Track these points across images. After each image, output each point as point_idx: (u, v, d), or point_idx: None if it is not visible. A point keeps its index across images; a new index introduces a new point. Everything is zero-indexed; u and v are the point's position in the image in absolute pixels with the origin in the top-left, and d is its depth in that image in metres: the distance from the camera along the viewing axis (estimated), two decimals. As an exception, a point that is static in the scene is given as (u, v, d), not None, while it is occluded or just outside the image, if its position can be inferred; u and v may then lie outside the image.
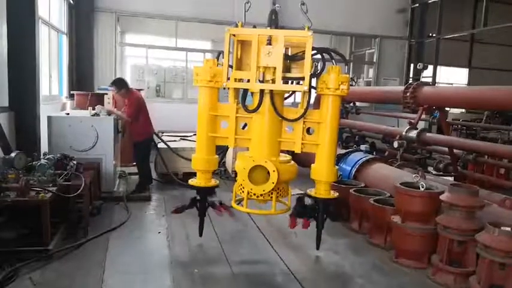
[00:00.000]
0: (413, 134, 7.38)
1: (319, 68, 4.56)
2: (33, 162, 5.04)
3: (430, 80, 13.26)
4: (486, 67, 17.75)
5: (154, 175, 7.99)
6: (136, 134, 7.13)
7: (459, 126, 13.26)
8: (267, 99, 4.46)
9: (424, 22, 13.94)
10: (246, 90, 4.66)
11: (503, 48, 18.05)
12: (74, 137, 6.48)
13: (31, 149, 5.63)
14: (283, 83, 4.42)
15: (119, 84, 7.01)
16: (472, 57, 18.08)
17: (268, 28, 4.56)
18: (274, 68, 4.35)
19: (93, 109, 7.08)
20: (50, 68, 8.99)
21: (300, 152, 4.65)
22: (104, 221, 5.70)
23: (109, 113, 6.91)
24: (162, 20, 12.40)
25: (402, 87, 8.22)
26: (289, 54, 4.60)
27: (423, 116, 8.25)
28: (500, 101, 6.50)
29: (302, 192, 4.99)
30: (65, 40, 10.31)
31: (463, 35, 15.88)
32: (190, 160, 7.79)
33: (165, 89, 13.69)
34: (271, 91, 4.42)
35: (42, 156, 5.33)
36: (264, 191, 4.48)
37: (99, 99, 8.70)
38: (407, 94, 7.86)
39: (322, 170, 4.65)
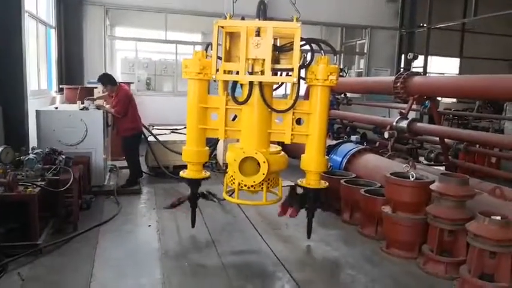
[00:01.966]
0: (404, 124, 7.40)
1: (308, 59, 4.55)
2: (21, 157, 4.99)
3: (421, 70, 13.28)
4: (477, 57, 17.80)
5: (144, 168, 7.95)
6: (124, 130, 7.07)
7: (451, 116, 13.32)
8: (256, 90, 4.45)
9: (415, 12, 13.91)
10: (235, 82, 4.64)
11: (494, 37, 18.09)
12: (63, 131, 6.42)
13: (20, 143, 5.56)
14: (272, 75, 4.40)
15: (105, 79, 6.98)
16: (463, 47, 18.13)
17: (257, 20, 4.53)
18: (263, 60, 4.33)
19: (82, 103, 7.00)
20: (39, 62, 8.88)
21: (289, 142, 4.65)
22: (94, 215, 5.66)
23: (98, 108, 6.84)
24: (151, 13, 12.27)
25: (393, 78, 8.22)
26: (278, 45, 4.57)
27: (414, 106, 8.28)
28: (492, 90, 6.52)
29: (292, 183, 5.00)
30: (53, 34, 10.18)
31: (454, 25, 15.88)
32: (180, 153, 7.95)
33: (155, 82, 13.60)
34: (260, 83, 4.41)
35: (30, 151, 5.27)
36: (254, 182, 4.48)
37: (88, 93, 8.62)
38: (398, 84, 7.87)
39: (312, 160, 4.66)
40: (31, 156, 5.00)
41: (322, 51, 4.67)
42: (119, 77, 12.05)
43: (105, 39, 11.67)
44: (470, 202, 4.50)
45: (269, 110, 4.55)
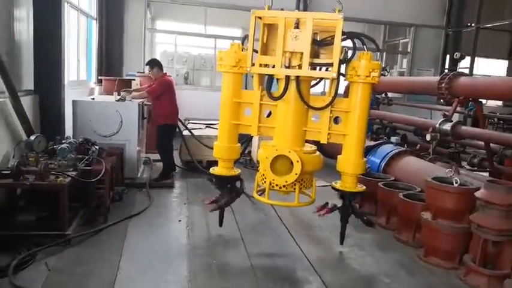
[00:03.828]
0: (447, 126, 6.99)
1: (349, 54, 4.31)
2: (55, 146, 5.02)
3: (467, 71, 12.64)
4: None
5: (178, 162, 7.92)
6: (158, 116, 7.05)
7: (495, 119, 12.63)
8: (292, 86, 4.26)
9: (463, 10, 13.24)
10: (271, 77, 4.47)
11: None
12: (99, 122, 6.47)
13: (55, 132, 5.61)
14: (310, 69, 4.20)
15: (153, 63, 7.10)
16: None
17: (296, 11, 4.34)
18: (301, 53, 4.14)
19: (119, 94, 7.04)
20: (79, 53, 9.01)
21: (325, 142, 4.44)
22: (125, 208, 5.64)
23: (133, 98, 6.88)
24: (191, 6, 12.25)
25: (437, 78, 7.82)
26: (318, 39, 4.35)
27: (458, 109, 7.84)
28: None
29: (327, 184, 4.77)
30: (94, 25, 10.33)
31: (503, 25, 15.05)
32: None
33: (193, 77, 13.61)
34: (297, 77, 4.22)
35: (64, 141, 5.31)
36: (286, 182, 4.30)
37: (126, 85, 8.68)
38: (443, 85, 7.47)
39: (349, 162, 4.42)
40: (64, 145, 5.02)
41: (364, 47, 4.42)
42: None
43: (145, 32, 11.76)
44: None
45: (305, 106, 4.35)
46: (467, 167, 8.17)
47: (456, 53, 8.36)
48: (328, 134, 4.41)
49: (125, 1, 11.30)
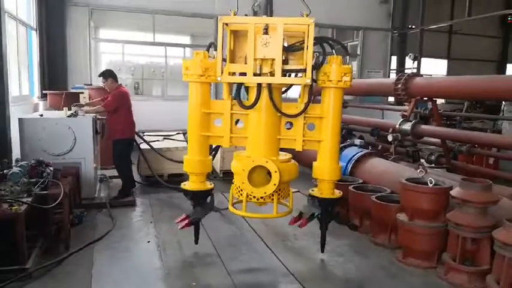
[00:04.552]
0: (407, 126, 7.15)
1: (319, 59, 4.22)
2: (5, 171, 4.54)
3: (414, 71, 13.12)
4: (465, 58, 17.86)
5: (137, 178, 7.52)
6: (114, 130, 6.64)
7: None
8: (264, 94, 4.10)
9: (406, 13, 13.77)
10: (240, 85, 4.29)
11: (481, 39, 18.21)
12: (49, 141, 5.96)
13: (1, 155, 5.10)
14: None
15: (107, 74, 6.69)
16: (451, 48, 18.17)
17: (265, 16, 4.20)
18: (272, 60, 4.00)
19: (69, 109, 6.55)
20: (19, 66, 8.35)
21: (301, 150, 4.31)
22: (86, 232, 5.22)
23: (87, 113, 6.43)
24: (138, 14, 11.79)
25: (393, 79, 8.00)
26: (285, 45, 4.23)
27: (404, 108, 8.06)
28: (496, 91, 6.34)
29: (295, 190, 4.64)
30: (34, 36, 9.65)
31: (442, 27, 15.86)
32: (175, 161, 7.57)
33: (143, 87, 13.12)
34: (269, 85, 4.07)
35: (14, 164, 4.83)
36: (265, 193, 4.13)
37: (74, 98, 8.14)
38: (399, 86, 7.64)
39: (326, 168, 4.33)
40: (15, 169, 4.55)
41: (333, 51, 4.36)
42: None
43: (90, 41, 11.15)
44: (490, 208, 4.24)
45: (278, 114, 4.21)
46: (426, 164, 8.40)
47: (410, 54, 8.59)
48: (303, 141, 4.30)
49: (66, 10, 10.66)
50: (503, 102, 10.92)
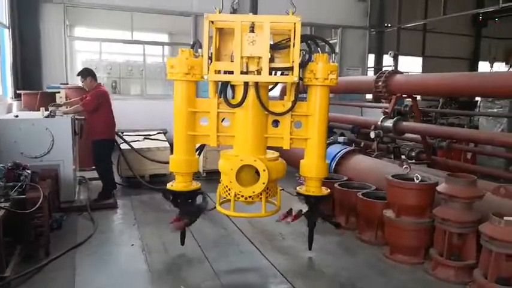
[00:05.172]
0: (389, 123, 7.22)
1: (305, 57, 4.20)
2: (-20, 175, 4.34)
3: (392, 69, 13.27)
4: (439, 56, 18.23)
5: (117, 179, 7.34)
6: (94, 131, 6.45)
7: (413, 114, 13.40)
8: (251, 92, 4.05)
9: (383, 12, 13.92)
10: (225, 83, 4.22)
11: (454, 37, 18.62)
12: (26, 142, 5.75)
13: (-24, 158, 4.88)
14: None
15: (86, 72, 6.52)
16: (426, 46, 18.51)
17: (250, 14, 4.14)
18: (259, 58, 3.95)
19: (46, 109, 6.33)
20: (-9, 65, 8.06)
21: (288, 148, 4.28)
22: (67, 237, 5.04)
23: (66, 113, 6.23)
24: (115, 12, 11.51)
25: (374, 77, 8.06)
26: (271, 43, 4.18)
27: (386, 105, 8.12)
28: (475, 87, 6.47)
29: (281, 188, 4.62)
30: (7, 34, 9.30)
31: (417, 25, 16.13)
32: (157, 161, 7.43)
33: (120, 85, 12.85)
34: (256, 83, 4.02)
35: (-11, 167, 4.61)
36: (254, 192, 4.08)
37: (50, 98, 7.89)
38: (380, 83, 7.72)
39: (313, 166, 4.33)
40: (-9, 173, 4.35)
41: (318, 49, 4.33)
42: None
43: (65, 40, 10.82)
44: (475, 202, 4.29)
45: (265, 113, 4.17)
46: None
47: (390, 51, 8.69)
48: (291, 139, 4.27)
49: (40, 7, 10.29)
50: (479, 98, 11.15)
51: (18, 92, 9.09)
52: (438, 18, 13.17)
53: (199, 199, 4.54)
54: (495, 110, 9.43)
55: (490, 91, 6.43)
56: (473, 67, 19.63)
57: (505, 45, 20.05)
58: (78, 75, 6.60)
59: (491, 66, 15.87)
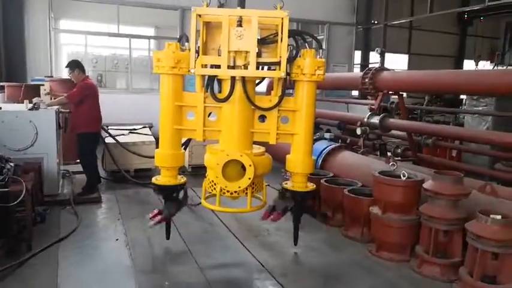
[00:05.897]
0: (375, 120, 7.23)
1: (293, 52, 4.18)
2: (-39, 167, 4.24)
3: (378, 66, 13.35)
4: (424, 53, 18.40)
5: (102, 173, 7.26)
6: (79, 124, 6.36)
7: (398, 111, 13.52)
8: (238, 86, 4.02)
9: (370, 8, 13.98)
10: (212, 77, 4.19)
11: (439, 35, 18.79)
12: (9, 135, 5.63)
13: (-44, 150, 4.77)
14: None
15: (73, 64, 6.41)
16: (411, 44, 18.66)
17: (238, 8, 4.11)
18: (246, 53, 3.92)
19: (30, 102, 6.21)
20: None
21: (275, 143, 4.27)
22: (50, 231, 4.96)
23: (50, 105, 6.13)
24: (101, 5, 11.34)
25: (360, 73, 8.07)
26: (259, 37, 4.15)
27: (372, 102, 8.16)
28: (462, 85, 6.50)
29: (266, 184, 4.61)
30: (-11, 25, 9.14)
31: (403, 23, 16.24)
32: (142, 156, 7.36)
33: (106, 79, 12.69)
34: (243, 78, 3.99)
35: (-29, 160, 4.52)
36: (239, 187, 4.06)
37: (34, 91, 7.74)
38: (366, 80, 7.71)
39: (299, 162, 4.32)
40: (-27, 166, 4.26)
41: (306, 44, 4.33)
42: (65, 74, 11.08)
43: (50, 32, 10.63)
44: (461, 200, 4.33)
45: (252, 108, 4.15)
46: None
47: (377, 48, 8.72)
48: (277, 134, 4.26)
49: (24, -1, 10.11)
50: (464, 96, 11.28)
51: (1, 84, 8.91)
52: (424, 16, 13.27)
53: (180, 194, 4.50)
54: (480, 108, 9.53)
55: (475, 89, 6.48)
56: (459, 65, 19.84)
57: (490, 44, 20.33)
58: (66, 67, 6.51)
59: (476, 65, 16.06)
